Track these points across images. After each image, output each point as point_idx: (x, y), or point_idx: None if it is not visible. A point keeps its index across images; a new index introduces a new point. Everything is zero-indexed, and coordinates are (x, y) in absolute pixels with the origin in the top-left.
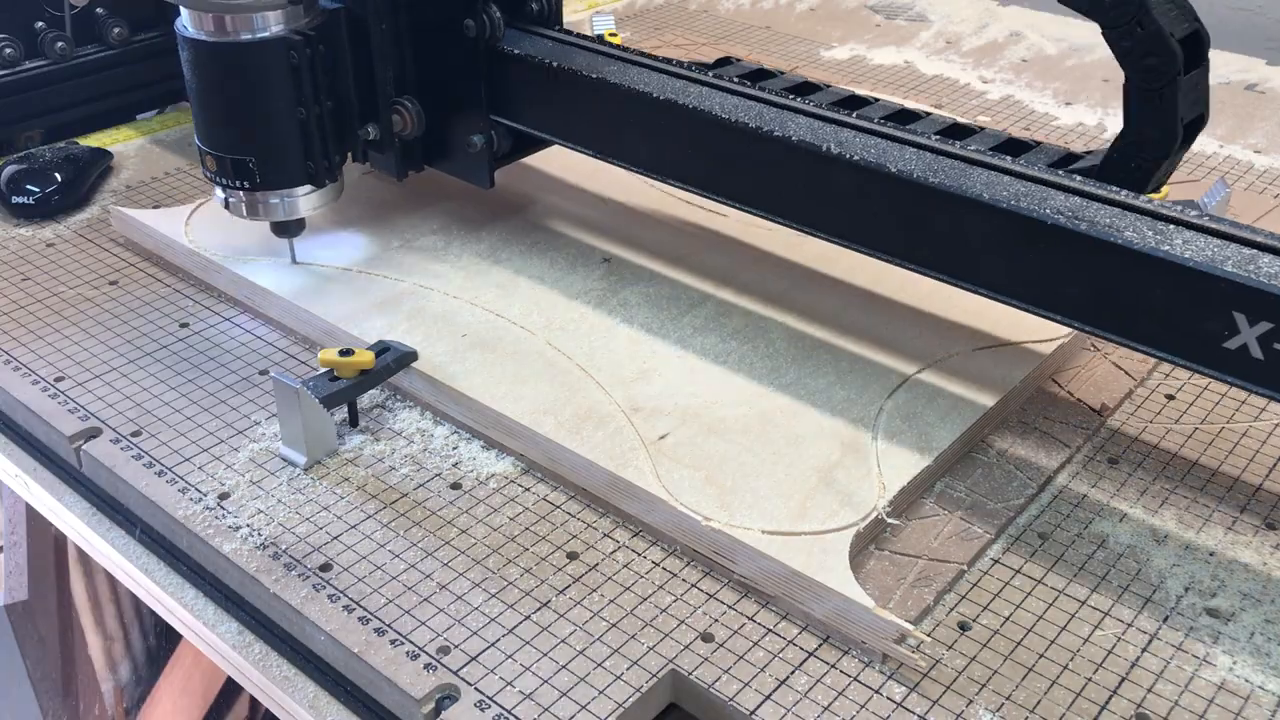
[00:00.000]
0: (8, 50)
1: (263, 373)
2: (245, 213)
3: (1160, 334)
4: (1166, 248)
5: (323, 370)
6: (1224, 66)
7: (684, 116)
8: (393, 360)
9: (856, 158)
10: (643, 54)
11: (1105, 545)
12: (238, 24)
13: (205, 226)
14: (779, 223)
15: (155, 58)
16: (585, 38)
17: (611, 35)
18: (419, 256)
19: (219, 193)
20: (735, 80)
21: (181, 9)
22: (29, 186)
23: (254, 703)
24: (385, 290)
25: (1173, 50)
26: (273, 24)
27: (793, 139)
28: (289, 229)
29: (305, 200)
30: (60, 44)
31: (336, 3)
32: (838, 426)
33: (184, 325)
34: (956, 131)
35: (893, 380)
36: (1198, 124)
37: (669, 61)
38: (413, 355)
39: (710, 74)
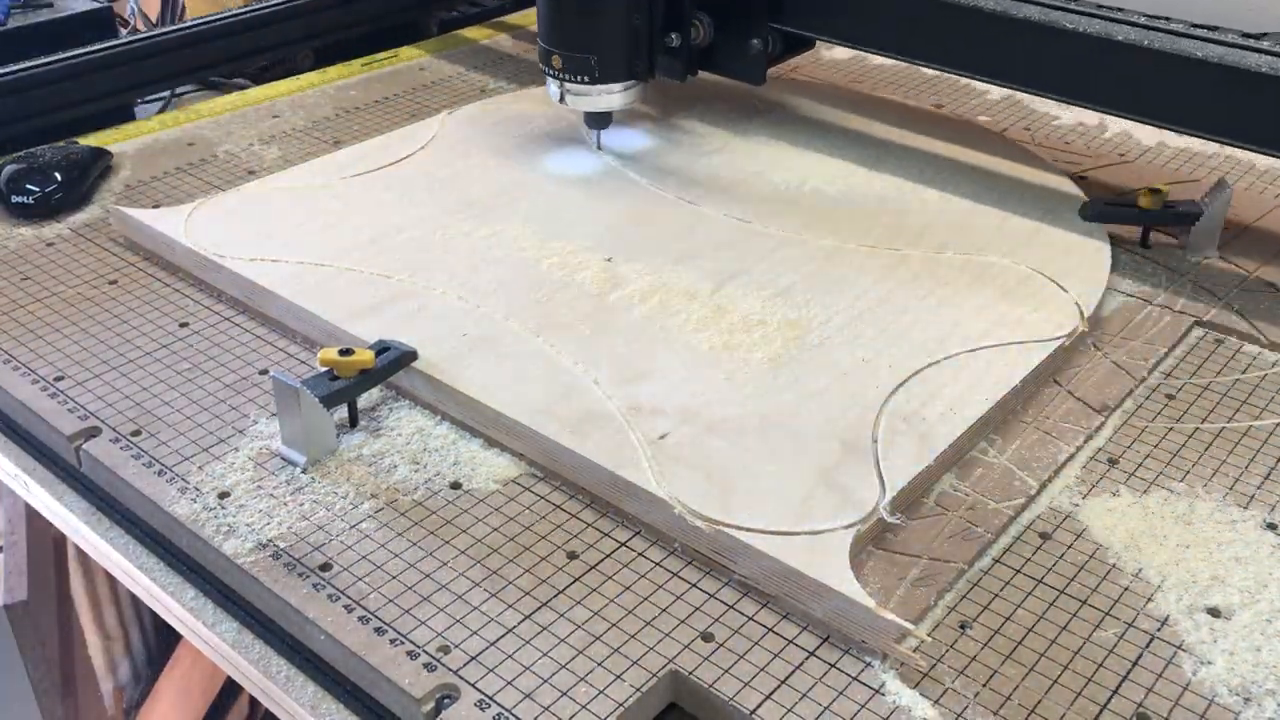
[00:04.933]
0: None
1: (263, 373)
2: (576, 103)
3: None
4: None
5: (323, 370)
6: None
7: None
8: (393, 360)
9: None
10: None
11: (1105, 545)
12: None
13: (205, 226)
14: (1031, 91)
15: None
16: None
17: None
18: (414, 250)
19: (553, 88)
20: None
21: None
22: (29, 186)
23: (254, 703)
24: (385, 290)
25: None
26: None
27: (1036, 20)
28: (604, 119)
29: (625, 94)
30: None
31: None
32: (838, 426)
33: (184, 325)
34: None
35: (893, 380)
36: None
37: None
38: (413, 355)
39: None
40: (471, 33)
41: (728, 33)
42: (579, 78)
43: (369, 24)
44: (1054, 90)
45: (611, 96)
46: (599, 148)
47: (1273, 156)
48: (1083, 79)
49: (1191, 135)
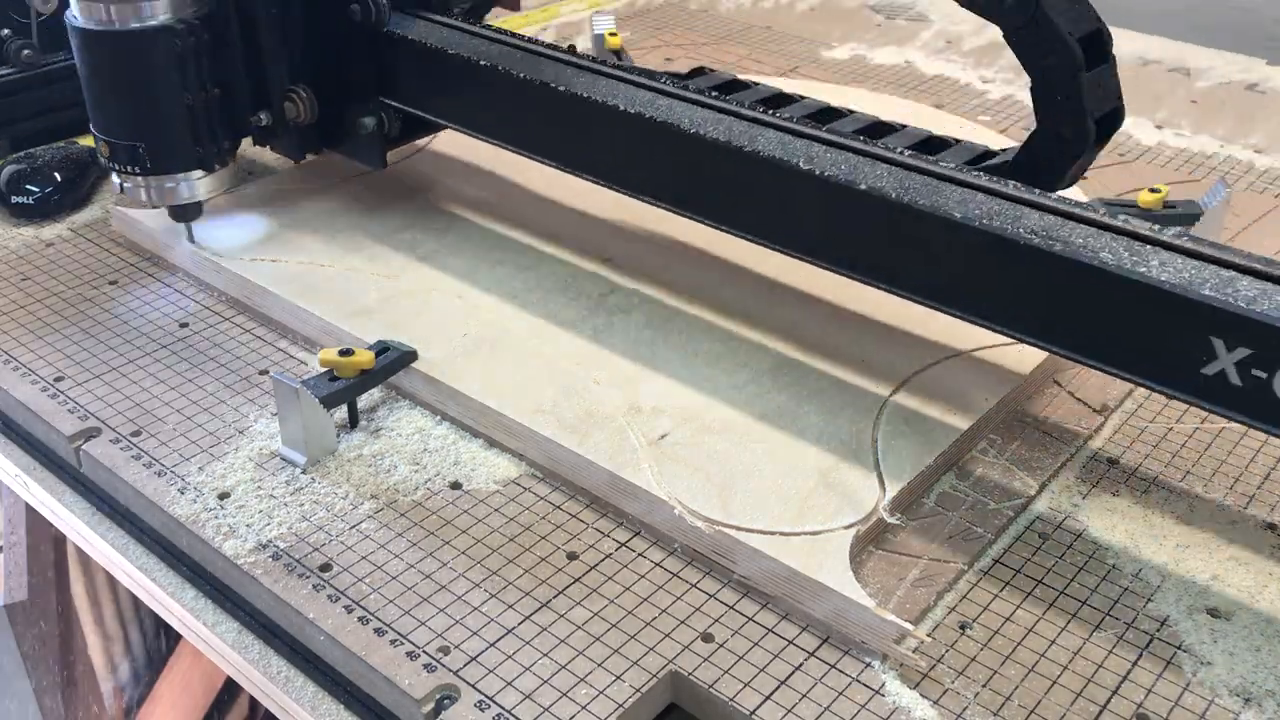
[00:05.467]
0: None
1: (263, 373)
2: (143, 198)
3: (1136, 359)
4: (1143, 269)
5: (323, 370)
6: (1224, 66)
7: (560, 102)
8: (393, 360)
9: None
10: (526, 39)
11: (1105, 545)
12: (125, 13)
13: (205, 226)
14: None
15: None
16: (469, 21)
17: (612, 35)
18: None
19: (115, 179)
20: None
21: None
22: (29, 186)
23: (254, 703)
24: (385, 290)
25: (1070, 48)
26: (160, 12)
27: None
28: (186, 213)
29: (200, 184)
30: (26, 51)
31: None
32: (838, 426)
33: (184, 325)
34: (876, 130)
35: (893, 380)
36: (1113, 119)
37: (543, 45)
38: (413, 355)
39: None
40: None
41: (336, 109)
42: (129, 168)
43: None
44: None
45: (175, 187)
46: (191, 241)
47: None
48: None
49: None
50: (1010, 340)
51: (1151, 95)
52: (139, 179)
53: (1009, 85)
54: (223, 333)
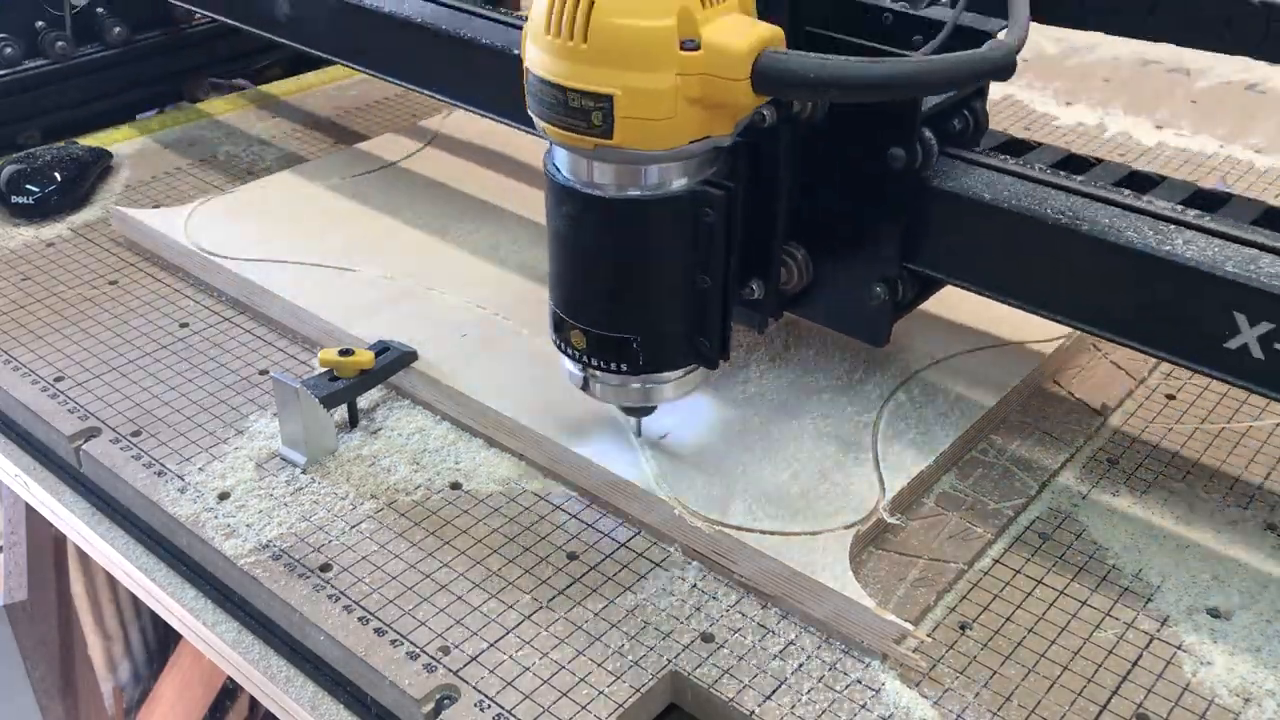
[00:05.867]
0: (8, 50)
1: (262, 373)
2: (611, 397)
3: (1160, 334)
4: (1167, 248)
5: (323, 370)
6: (1224, 66)
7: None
8: (393, 360)
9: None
10: (1107, 187)
11: (1105, 545)
12: (647, 176)
13: (205, 226)
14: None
15: (156, 56)
16: (1024, 163)
17: None
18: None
19: (572, 369)
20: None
21: (557, 150)
22: (29, 186)
23: (254, 703)
24: (385, 290)
25: None
26: (676, 175)
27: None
28: (644, 410)
29: (678, 384)
30: (60, 43)
31: (736, 138)
32: (838, 426)
33: (184, 325)
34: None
35: (893, 380)
36: None
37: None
38: (413, 355)
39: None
40: None
41: (836, 274)
42: (613, 366)
43: None
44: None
45: (661, 388)
46: (638, 436)
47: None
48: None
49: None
50: (1012, 339)
51: (1151, 95)
52: (619, 376)
53: (1009, 85)
54: (223, 333)
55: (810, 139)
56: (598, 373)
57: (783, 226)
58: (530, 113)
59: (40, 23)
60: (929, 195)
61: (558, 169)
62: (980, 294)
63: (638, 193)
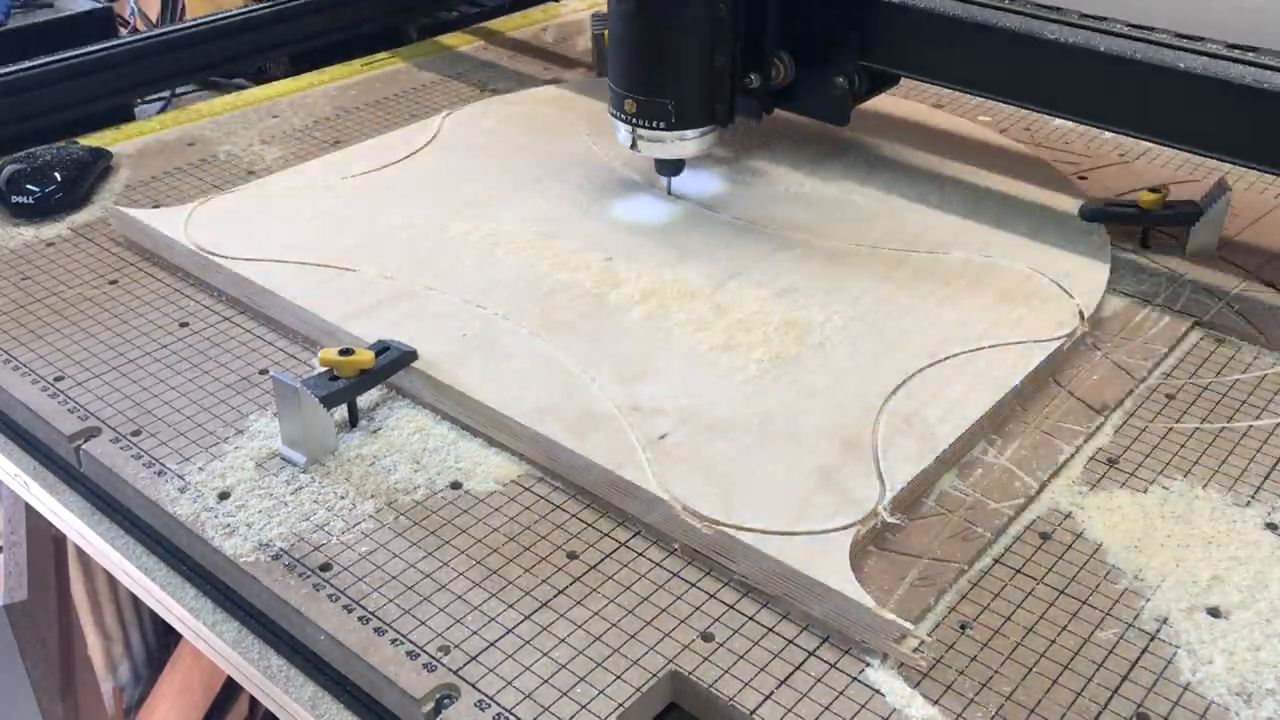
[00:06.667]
0: None
1: (263, 372)
2: (653, 150)
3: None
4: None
5: (322, 370)
6: None
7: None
8: (393, 360)
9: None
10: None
11: (1105, 545)
12: None
13: (205, 226)
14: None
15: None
16: None
17: None
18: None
19: (624, 133)
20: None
21: None
22: (29, 186)
23: (254, 703)
24: (385, 290)
25: None
26: None
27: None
28: (677, 166)
29: (700, 141)
30: None
31: None
32: (838, 426)
33: (183, 325)
34: None
35: (893, 380)
36: None
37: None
38: (413, 355)
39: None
40: (451, 39)
41: (811, 71)
42: (654, 123)
43: (345, 30)
44: (1032, 102)
45: (687, 143)
46: (669, 193)
47: (1253, 169)
48: (1065, 91)
49: (1177, 149)
50: (1012, 340)
51: None
52: (660, 132)
53: None
54: (223, 333)
55: None
56: (643, 131)
57: (772, 32)
58: None
59: None
60: (876, 8)
61: None
62: (916, 80)
63: None
